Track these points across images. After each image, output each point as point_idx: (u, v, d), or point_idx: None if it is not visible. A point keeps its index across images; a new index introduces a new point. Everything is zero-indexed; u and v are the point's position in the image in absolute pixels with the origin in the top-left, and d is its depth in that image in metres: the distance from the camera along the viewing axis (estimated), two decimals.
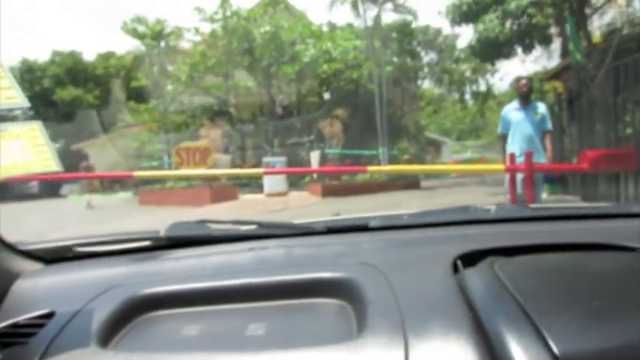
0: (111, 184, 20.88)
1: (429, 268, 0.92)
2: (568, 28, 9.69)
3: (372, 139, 15.68)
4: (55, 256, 1.16)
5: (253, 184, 14.81)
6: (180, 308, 0.91)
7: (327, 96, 18.63)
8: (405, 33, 20.07)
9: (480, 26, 12.92)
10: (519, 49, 13.61)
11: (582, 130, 8.99)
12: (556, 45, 14.13)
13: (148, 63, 19.36)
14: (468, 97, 22.70)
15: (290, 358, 0.71)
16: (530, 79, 6.29)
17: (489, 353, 0.65)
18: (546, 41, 13.80)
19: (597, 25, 13.78)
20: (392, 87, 18.56)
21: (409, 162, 16.46)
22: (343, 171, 13.47)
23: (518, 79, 6.57)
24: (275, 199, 12.06)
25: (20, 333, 0.83)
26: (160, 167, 16.68)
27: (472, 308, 0.75)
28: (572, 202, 7.63)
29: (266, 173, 12.20)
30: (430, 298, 0.81)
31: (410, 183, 13.66)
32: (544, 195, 7.03)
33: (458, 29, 17.41)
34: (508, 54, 13.67)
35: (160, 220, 6.52)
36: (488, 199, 8.90)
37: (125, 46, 41.21)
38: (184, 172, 12.17)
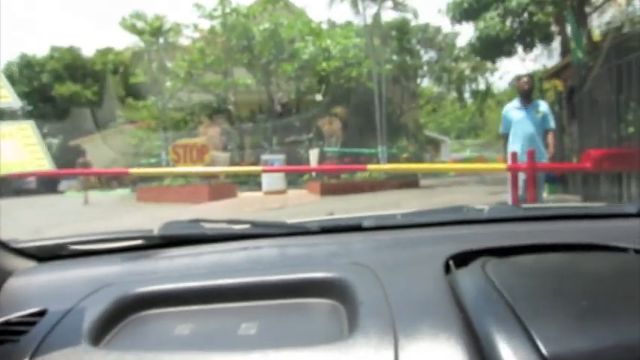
0: (109, 180, 20.86)
1: (421, 268, 0.92)
2: (569, 26, 9.66)
3: (371, 137, 15.65)
4: (48, 254, 1.16)
5: (252, 182, 14.79)
6: (173, 307, 0.90)
7: (326, 94, 18.59)
8: (404, 31, 20.03)
9: (481, 24, 12.88)
10: (520, 48, 13.60)
11: (583, 129, 8.95)
12: (556, 43, 14.12)
13: (146, 59, 19.30)
14: (467, 95, 22.70)
15: (281, 358, 0.71)
16: (531, 76, 6.22)
17: (479, 354, 0.66)
18: (547, 39, 13.79)
19: (596, 24, 13.75)
20: (391, 85, 18.52)
21: (408, 160, 16.43)
22: (342, 169, 13.44)
23: (519, 77, 6.51)
24: (273, 197, 12.04)
25: (12, 331, 0.83)
26: (158, 164, 16.64)
27: (462, 309, 0.75)
28: (572, 202, 7.60)
29: (264, 171, 12.17)
30: (421, 299, 0.81)
31: (408, 182, 13.64)
32: (544, 194, 6.99)
33: (458, 27, 17.43)
34: (509, 52, 13.65)
35: (157, 217, 6.48)
36: (488, 198, 8.88)
37: (124, 42, 41.13)
38: (181, 169, 12.13)
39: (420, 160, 18.21)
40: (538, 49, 14.24)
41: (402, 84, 20.20)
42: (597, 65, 7.85)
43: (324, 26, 20.17)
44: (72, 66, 31.93)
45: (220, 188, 12.77)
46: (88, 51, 36.31)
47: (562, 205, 2.78)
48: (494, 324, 0.68)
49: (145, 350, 0.77)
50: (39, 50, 48.09)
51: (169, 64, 19.72)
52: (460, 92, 22.34)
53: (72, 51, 32.62)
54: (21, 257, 1.12)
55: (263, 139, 18.09)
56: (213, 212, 9.93)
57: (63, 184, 21.27)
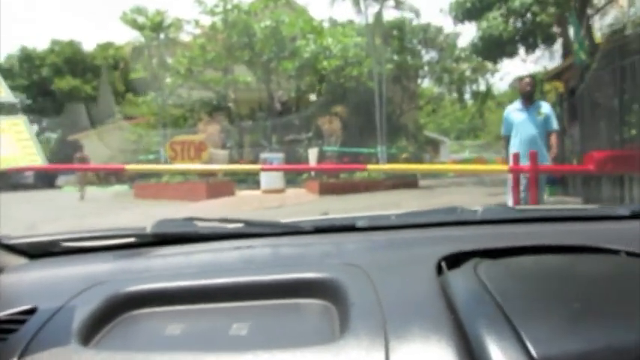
0: (106, 176, 20.79)
1: (413, 269, 0.92)
2: (572, 27, 9.63)
3: (371, 137, 15.62)
4: (39, 251, 1.16)
5: (250, 181, 14.75)
6: (164, 306, 0.90)
7: (326, 93, 18.55)
8: (405, 31, 20.00)
9: (484, 24, 12.85)
10: (522, 49, 13.56)
11: (584, 131, 8.92)
12: (558, 45, 14.09)
13: (146, 55, 19.22)
14: (467, 96, 22.70)
15: (272, 358, 0.71)
16: (533, 77, 6.15)
17: (469, 356, 0.66)
18: (549, 40, 13.75)
19: (598, 26, 13.73)
20: (391, 85, 18.50)
21: (407, 161, 16.43)
22: (341, 169, 13.40)
23: (520, 79, 6.44)
24: (272, 196, 12.00)
25: (1, 329, 0.82)
26: (156, 161, 16.58)
27: (454, 310, 0.75)
28: (572, 204, 7.57)
29: (263, 169, 12.10)
30: (413, 300, 0.81)
31: (408, 182, 13.63)
32: (544, 196, 6.96)
33: (460, 27, 17.40)
34: (511, 53, 13.62)
35: (153, 214, 6.43)
36: (487, 200, 8.85)
37: (124, 36, 41.05)
38: (178, 166, 12.07)
39: (419, 161, 18.21)
40: (540, 51, 14.22)
41: (402, 84, 20.17)
42: (599, 67, 7.82)
43: (326, 24, 20.16)
44: (72, 60, 31.88)
45: (218, 186, 12.72)
46: (88, 45, 36.33)
47: (555, 207, 2.79)
48: (484, 325, 0.69)
49: (136, 350, 0.77)
50: (39, 44, 48.06)
51: (170, 60, 19.66)
52: (460, 93, 22.34)
53: (72, 45, 32.56)
54: (12, 254, 1.11)
55: (262, 137, 18.05)
56: (211, 210, 9.89)
57: (60, 179, 21.21)
